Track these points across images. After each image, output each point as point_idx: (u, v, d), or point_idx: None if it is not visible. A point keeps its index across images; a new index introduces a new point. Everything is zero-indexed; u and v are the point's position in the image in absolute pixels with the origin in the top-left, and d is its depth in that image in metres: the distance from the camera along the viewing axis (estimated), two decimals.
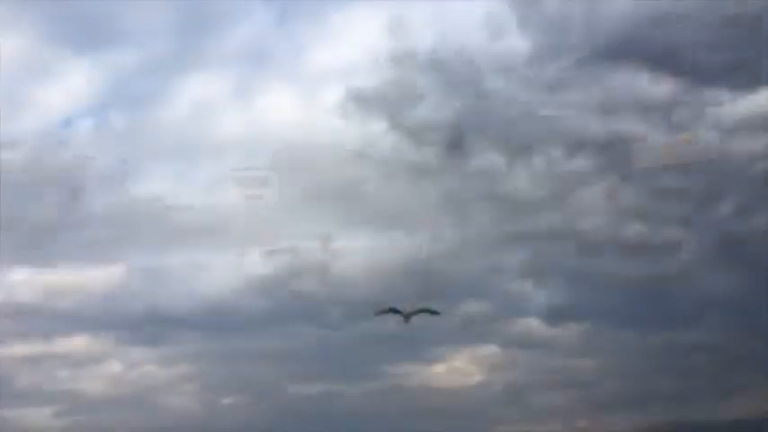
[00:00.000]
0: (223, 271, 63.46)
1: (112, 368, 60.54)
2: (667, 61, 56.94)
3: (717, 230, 56.22)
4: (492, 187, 60.69)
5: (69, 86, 69.94)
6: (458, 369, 59.44)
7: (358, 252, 61.04)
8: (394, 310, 34.07)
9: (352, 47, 68.79)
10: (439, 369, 59.91)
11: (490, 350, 60.06)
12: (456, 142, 59.45)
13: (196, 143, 69.24)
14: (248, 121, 69.52)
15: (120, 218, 65.77)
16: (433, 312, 34.03)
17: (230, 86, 71.23)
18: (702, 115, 55.69)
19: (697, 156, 55.69)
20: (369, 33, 68.59)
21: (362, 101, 62.64)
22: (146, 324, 60.79)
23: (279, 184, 67.20)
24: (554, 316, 58.99)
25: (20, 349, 58.85)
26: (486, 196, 60.79)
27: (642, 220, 57.53)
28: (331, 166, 64.70)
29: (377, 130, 62.36)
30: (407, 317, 33.81)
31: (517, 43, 59.25)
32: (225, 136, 68.69)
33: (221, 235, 66.42)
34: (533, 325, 59.80)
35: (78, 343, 61.62)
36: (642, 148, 57.08)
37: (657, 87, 57.29)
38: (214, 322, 60.98)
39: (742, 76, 55.16)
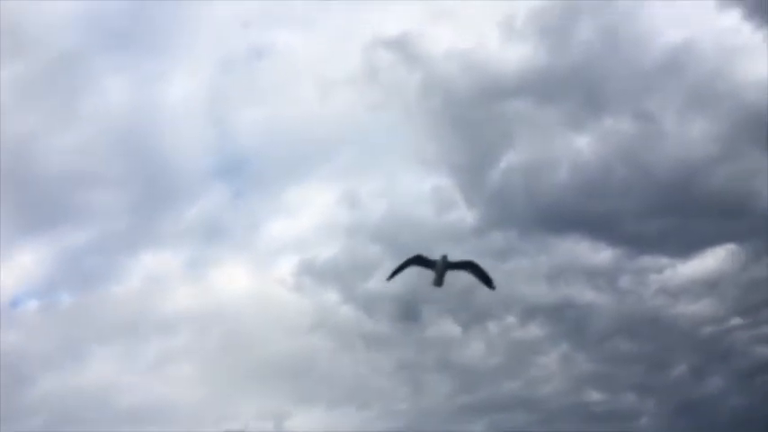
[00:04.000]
0: None
1: None
2: (605, 230, 59.69)
3: (673, 394, 56.23)
4: (447, 356, 60.15)
5: (18, 267, 68.93)
6: None
7: (312, 430, 58.75)
8: (422, 261, 21.95)
9: (306, 220, 70.21)
10: None
11: None
12: (410, 312, 59.60)
13: (145, 320, 67.40)
14: (200, 296, 68.63)
15: (63, 403, 62.49)
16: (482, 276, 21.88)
17: (183, 261, 70.84)
18: (646, 281, 57.64)
19: (645, 321, 56.96)
20: (322, 207, 70.47)
21: (315, 273, 63.19)
22: None
23: (231, 360, 65.65)
24: None
25: None
26: (442, 366, 60.05)
27: (599, 386, 57.05)
28: (284, 339, 63.81)
29: (330, 301, 62.31)
30: (442, 273, 21.54)
31: (464, 215, 61.49)
32: (175, 312, 67.29)
33: (169, 415, 63.23)
34: None
35: None
36: (590, 313, 58.27)
37: (599, 255, 59.51)
38: None
39: (678, 242, 58.03)
